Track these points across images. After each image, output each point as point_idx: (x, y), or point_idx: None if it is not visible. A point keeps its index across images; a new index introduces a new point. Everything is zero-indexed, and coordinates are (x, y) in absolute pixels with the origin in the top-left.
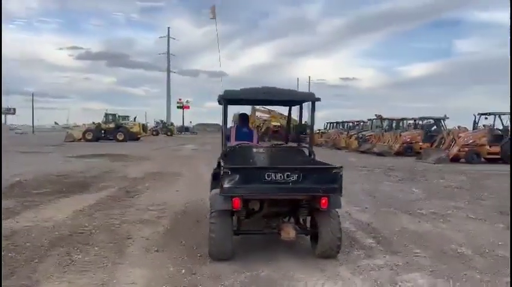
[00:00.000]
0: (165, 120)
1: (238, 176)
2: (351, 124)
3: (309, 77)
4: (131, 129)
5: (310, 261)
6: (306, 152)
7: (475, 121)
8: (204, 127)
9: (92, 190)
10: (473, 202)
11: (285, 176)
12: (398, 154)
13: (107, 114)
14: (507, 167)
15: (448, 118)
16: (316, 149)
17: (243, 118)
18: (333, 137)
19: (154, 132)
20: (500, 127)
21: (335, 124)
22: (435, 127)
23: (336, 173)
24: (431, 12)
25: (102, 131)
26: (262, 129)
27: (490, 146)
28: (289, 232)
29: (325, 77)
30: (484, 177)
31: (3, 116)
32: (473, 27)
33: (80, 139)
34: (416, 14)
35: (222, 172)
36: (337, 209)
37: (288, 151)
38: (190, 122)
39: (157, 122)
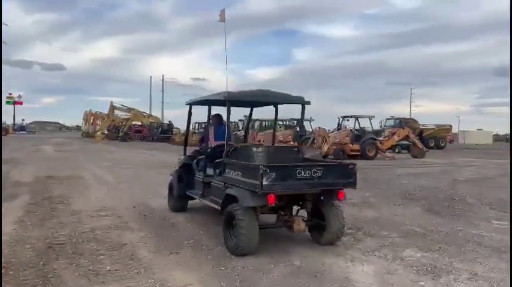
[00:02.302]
0: None
1: (274, 174)
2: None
3: (163, 75)
4: None
5: (319, 248)
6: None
7: (338, 123)
8: (41, 126)
9: None
10: (378, 191)
11: (312, 172)
12: None
13: None
14: (368, 162)
15: (313, 120)
16: (191, 149)
17: (218, 118)
18: None
19: None
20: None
21: (204, 124)
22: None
23: (352, 169)
24: (275, 21)
25: None
26: (124, 129)
27: (352, 144)
28: (300, 224)
29: (177, 76)
30: (361, 170)
31: None
32: (308, 38)
33: None
34: (262, 21)
35: (261, 171)
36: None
37: (282, 150)
38: (23, 119)
39: None
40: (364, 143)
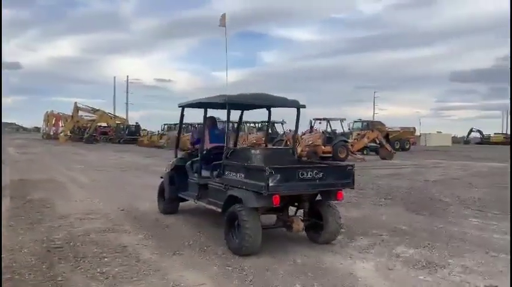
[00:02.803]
0: None
1: (279, 175)
2: (190, 126)
3: (127, 76)
4: None
5: (316, 247)
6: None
7: (311, 125)
8: None
9: None
10: (359, 192)
11: (314, 173)
12: None
13: None
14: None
15: (285, 122)
16: (161, 151)
17: (213, 121)
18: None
19: None
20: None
21: (174, 125)
22: (270, 130)
23: (350, 170)
24: (241, 24)
25: None
26: (90, 131)
27: (324, 146)
28: (299, 224)
29: (141, 76)
30: None
31: None
32: (275, 41)
33: None
34: (228, 23)
35: (267, 172)
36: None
37: (277, 152)
38: None
39: None
40: (336, 145)
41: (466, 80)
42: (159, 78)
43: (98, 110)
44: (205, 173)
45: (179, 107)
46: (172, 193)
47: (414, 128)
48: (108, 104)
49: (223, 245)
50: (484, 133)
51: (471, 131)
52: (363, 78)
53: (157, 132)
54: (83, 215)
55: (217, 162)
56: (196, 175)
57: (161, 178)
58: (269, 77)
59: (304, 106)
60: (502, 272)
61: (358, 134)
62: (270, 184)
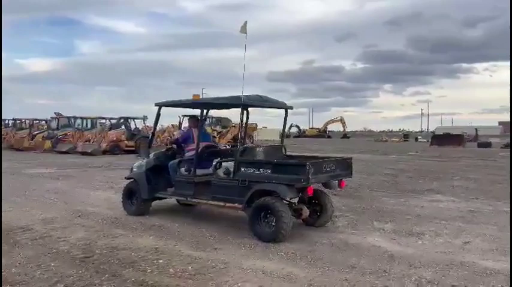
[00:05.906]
0: None
1: (313, 169)
2: (19, 122)
3: None
4: None
5: (317, 230)
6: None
7: (179, 121)
8: None
9: None
10: None
11: (331, 166)
12: (105, 152)
13: None
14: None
15: (148, 118)
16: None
17: (196, 121)
18: (8, 136)
19: None
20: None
21: (18, 122)
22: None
23: (350, 162)
24: (53, 8)
25: None
26: None
27: (127, 141)
28: (306, 211)
29: None
30: None
31: None
32: (94, 31)
33: None
34: (36, 6)
35: (307, 167)
36: None
37: (273, 149)
38: None
39: None
40: (138, 140)
41: (280, 80)
42: None
43: None
44: (200, 171)
45: (156, 105)
46: (150, 193)
47: (256, 124)
48: None
49: (241, 236)
50: (301, 128)
51: (291, 126)
52: (185, 75)
53: None
54: (47, 225)
55: (226, 159)
56: (186, 173)
57: (128, 179)
58: (89, 68)
59: (291, 107)
60: (462, 232)
61: (214, 130)
62: (310, 177)
